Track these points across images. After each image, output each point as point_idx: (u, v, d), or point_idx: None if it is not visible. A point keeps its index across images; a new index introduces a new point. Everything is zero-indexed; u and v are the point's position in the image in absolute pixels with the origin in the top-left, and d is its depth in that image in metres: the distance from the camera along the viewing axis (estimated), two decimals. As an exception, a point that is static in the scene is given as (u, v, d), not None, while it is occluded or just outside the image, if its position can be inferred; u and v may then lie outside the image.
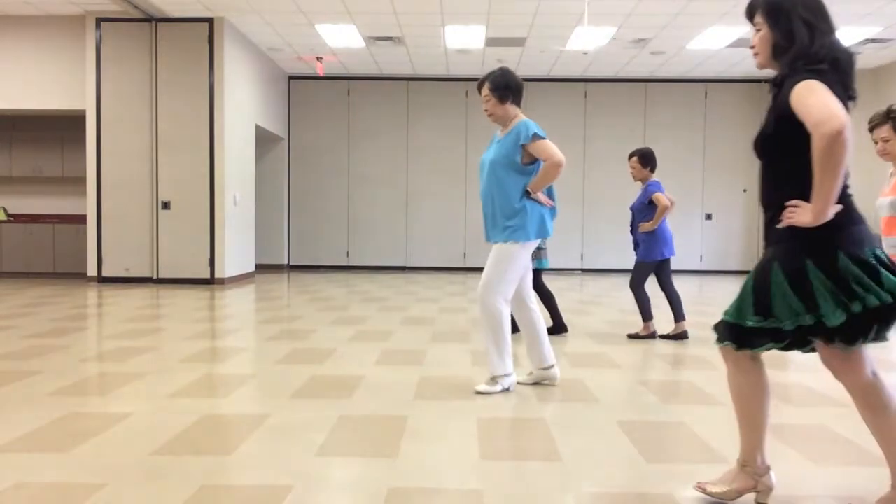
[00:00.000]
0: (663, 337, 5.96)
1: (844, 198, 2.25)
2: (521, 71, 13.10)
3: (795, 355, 5.26)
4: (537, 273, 5.91)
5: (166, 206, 10.24)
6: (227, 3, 9.46)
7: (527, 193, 3.92)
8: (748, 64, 12.39)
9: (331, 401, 3.82)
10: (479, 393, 4.01)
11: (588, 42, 10.83)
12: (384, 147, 13.79)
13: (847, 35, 10.43)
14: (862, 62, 12.23)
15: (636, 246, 5.96)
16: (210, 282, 10.24)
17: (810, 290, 2.20)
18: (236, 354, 5.11)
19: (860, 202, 2.42)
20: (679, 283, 11.48)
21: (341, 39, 10.95)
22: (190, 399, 3.83)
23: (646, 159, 5.86)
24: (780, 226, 2.24)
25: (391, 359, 4.98)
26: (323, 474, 2.73)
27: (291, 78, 13.66)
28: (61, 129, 11.93)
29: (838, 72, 2.22)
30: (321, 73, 12.65)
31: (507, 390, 4.05)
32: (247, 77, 11.18)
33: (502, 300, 3.95)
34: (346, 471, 2.77)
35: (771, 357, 5.12)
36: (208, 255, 10.26)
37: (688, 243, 13.78)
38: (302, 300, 8.59)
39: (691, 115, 13.74)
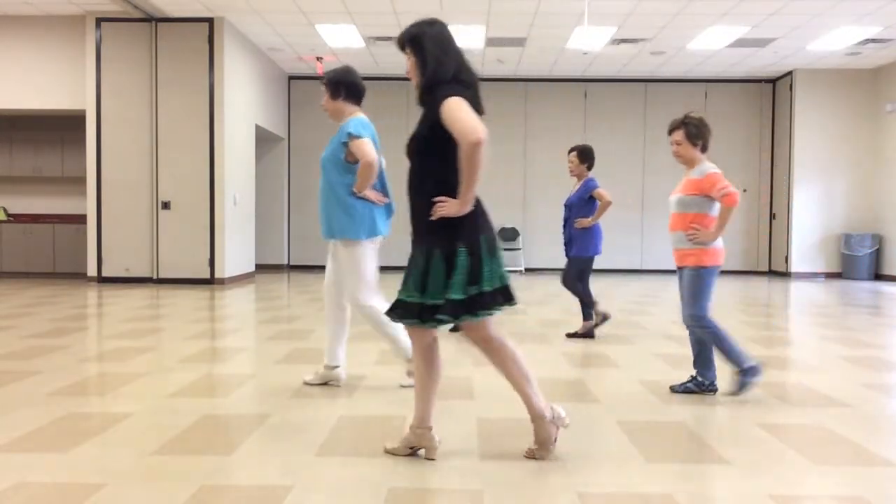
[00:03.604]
0: (571, 335, 5.99)
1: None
2: (521, 71, 13.11)
3: (797, 357, 5.27)
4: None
5: (166, 206, 10.24)
6: (227, 3, 9.46)
7: (353, 192, 3.97)
8: (748, 64, 12.40)
9: (331, 401, 3.83)
10: (404, 387, 4.08)
11: (589, 43, 10.83)
12: (384, 147, 13.73)
13: (847, 35, 10.44)
14: (862, 62, 12.24)
15: (568, 242, 5.98)
16: (210, 282, 10.24)
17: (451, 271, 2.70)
18: (236, 354, 5.11)
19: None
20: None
21: (341, 39, 10.95)
22: (190, 399, 3.83)
23: (584, 155, 5.99)
24: (433, 217, 2.71)
25: (391, 359, 4.97)
26: (323, 474, 2.73)
27: (291, 78, 13.66)
28: (61, 129, 11.92)
29: (467, 89, 2.73)
30: (321, 73, 12.64)
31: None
32: (247, 77, 11.18)
33: (371, 296, 4.00)
34: (346, 471, 2.77)
35: (771, 358, 5.12)
36: (208, 255, 10.26)
37: (688, 243, 13.76)
38: (302, 300, 8.59)
39: (691, 115, 13.71)
